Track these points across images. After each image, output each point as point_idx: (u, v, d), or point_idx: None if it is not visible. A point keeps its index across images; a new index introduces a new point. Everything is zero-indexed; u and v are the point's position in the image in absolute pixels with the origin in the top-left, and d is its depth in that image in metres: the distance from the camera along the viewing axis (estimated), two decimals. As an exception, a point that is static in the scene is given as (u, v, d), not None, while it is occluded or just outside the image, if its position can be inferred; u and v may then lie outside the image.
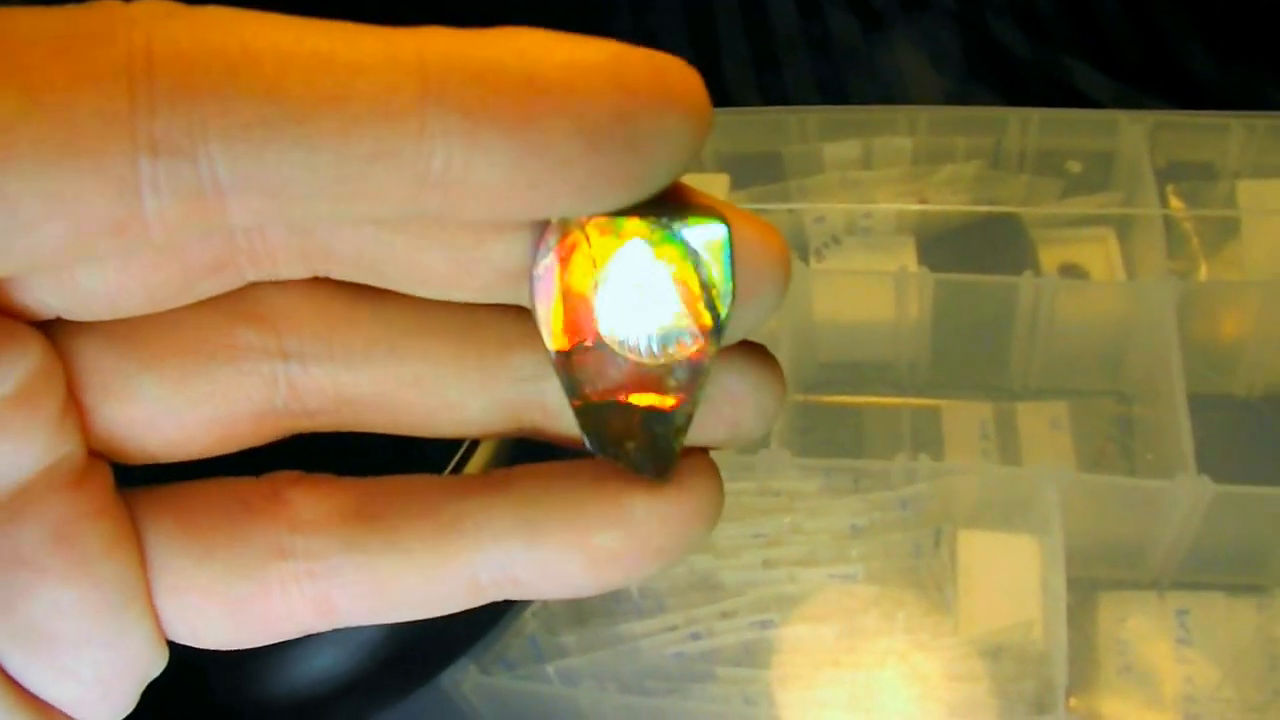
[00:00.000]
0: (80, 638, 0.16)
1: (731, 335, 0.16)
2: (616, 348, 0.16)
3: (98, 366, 0.16)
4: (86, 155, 0.13)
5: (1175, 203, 0.58)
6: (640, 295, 0.16)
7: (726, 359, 0.17)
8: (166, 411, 0.16)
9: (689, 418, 0.16)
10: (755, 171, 0.60)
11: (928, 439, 0.55)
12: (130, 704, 0.17)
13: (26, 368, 0.15)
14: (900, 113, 0.60)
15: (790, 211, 0.59)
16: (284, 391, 0.17)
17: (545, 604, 0.48)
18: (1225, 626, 0.47)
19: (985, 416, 0.55)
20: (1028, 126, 0.58)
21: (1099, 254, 0.57)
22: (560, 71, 0.14)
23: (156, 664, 0.17)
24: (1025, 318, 0.53)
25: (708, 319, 0.16)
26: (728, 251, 0.15)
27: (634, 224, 0.15)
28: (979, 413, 0.55)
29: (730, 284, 0.15)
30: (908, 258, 0.57)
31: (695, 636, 0.45)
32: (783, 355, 0.52)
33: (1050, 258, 0.57)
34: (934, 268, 0.53)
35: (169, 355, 0.16)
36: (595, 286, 0.16)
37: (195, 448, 0.17)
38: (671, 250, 0.15)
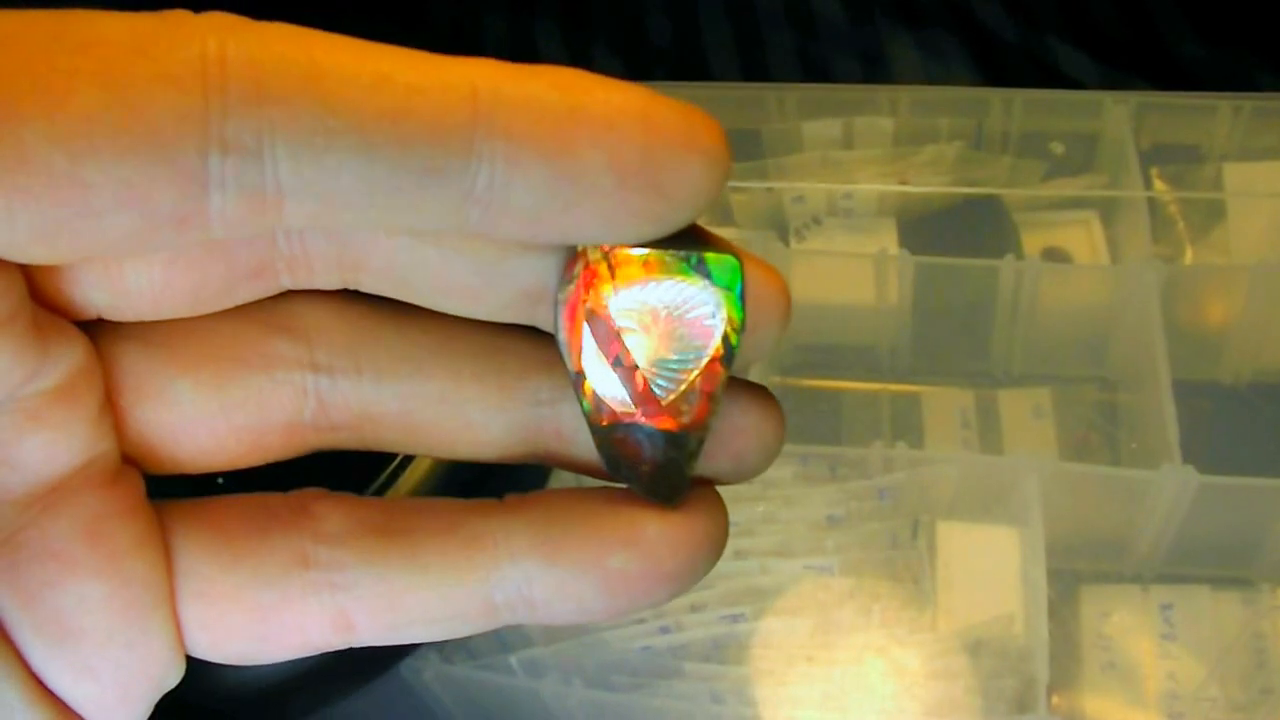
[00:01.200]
0: (104, 634, 0.17)
1: (738, 364, 0.17)
2: (634, 372, 0.17)
3: (136, 370, 0.17)
4: (161, 149, 0.14)
5: (1160, 185, 0.56)
6: (658, 323, 0.17)
7: (731, 395, 0.17)
8: (200, 417, 0.17)
9: (700, 443, 0.17)
10: (733, 149, 0.59)
11: (907, 426, 0.54)
12: (145, 714, 0.18)
13: (70, 364, 0.16)
14: (881, 92, 0.59)
15: (769, 190, 0.57)
16: (312, 404, 0.17)
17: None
18: (1210, 621, 0.45)
19: (966, 404, 0.54)
20: (1011, 108, 0.57)
21: (1082, 237, 0.56)
22: (598, 108, 0.15)
23: (173, 675, 0.18)
24: (1007, 302, 0.52)
25: (720, 347, 0.17)
26: (739, 285, 0.16)
27: (655, 256, 0.16)
28: (960, 399, 0.54)
29: (741, 315, 0.17)
30: (889, 239, 0.56)
31: (664, 630, 0.44)
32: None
33: (1033, 241, 0.56)
34: (915, 250, 0.52)
35: (206, 361, 0.17)
36: (615, 312, 0.17)
37: (225, 457, 0.18)
38: (689, 282, 0.16)
